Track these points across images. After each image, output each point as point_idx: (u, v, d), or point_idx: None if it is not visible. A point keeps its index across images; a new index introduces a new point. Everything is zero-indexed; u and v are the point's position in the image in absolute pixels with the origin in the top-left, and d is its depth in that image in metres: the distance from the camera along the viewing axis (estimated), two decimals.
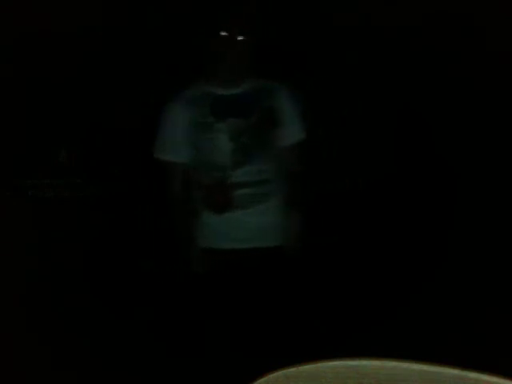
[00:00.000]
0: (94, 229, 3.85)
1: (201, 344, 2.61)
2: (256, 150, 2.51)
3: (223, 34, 2.45)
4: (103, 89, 4.00)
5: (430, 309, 3.26)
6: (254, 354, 2.40)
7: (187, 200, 2.57)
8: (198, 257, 2.57)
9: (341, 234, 4.16)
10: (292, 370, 0.46)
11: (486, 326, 2.92)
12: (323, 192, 4.37)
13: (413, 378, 0.44)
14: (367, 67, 4.14)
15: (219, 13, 2.52)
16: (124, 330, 3.32)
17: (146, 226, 4.07)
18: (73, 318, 3.32)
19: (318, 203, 4.33)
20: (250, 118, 2.52)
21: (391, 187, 4.13)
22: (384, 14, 3.80)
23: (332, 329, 3.20)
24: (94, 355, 3.09)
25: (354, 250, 3.96)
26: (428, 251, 3.76)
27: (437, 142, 4.09)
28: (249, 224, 2.52)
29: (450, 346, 2.62)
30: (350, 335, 3.00)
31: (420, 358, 0.44)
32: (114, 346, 3.19)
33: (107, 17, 3.83)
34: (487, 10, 3.56)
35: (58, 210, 3.83)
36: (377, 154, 4.38)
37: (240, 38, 2.46)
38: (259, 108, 2.54)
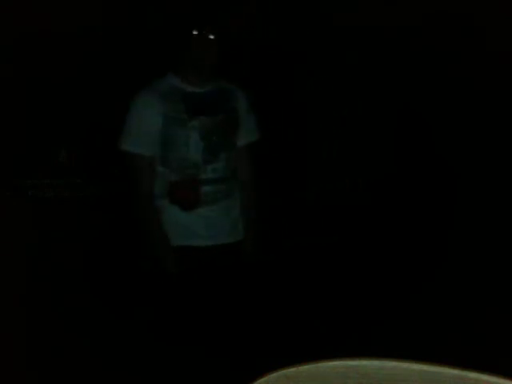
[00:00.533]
0: (94, 229, 3.86)
1: (201, 344, 2.61)
2: (222, 148, 2.59)
3: (199, 32, 2.49)
4: (103, 89, 4.00)
5: (429, 309, 3.26)
6: (253, 354, 2.40)
7: (152, 195, 2.54)
8: (169, 255, 2.55)
9: (342, 233, 4.16)
10: (292, 370, 0.46)
11: (486, 326, 2.92)
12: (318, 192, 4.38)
13: (413, 378, 0.44)
14: (367, 67, 4.14)
15: (198, 11, 2.57)
16: (123, 330, 3.32)
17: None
18: (72, 317, 3.32)
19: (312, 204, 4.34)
20: (217, 116, 2.59)
21: (390, 188, 4.13)
22: (384, 13, 3.80)
23: (332, 329, 3.20)
24: (94, 355, 3.09)
25: (354, 250, 3.96)
26: (428, 252, 3.76)
27: (436, 141, 4.09)
28: (213, 220, 2.56)
29: (450, 346, 2.62)
30: (350, 335, 3.00)
31: (420, 357, 0.44)
32: (113, 345, 3.19)
33: (108, 17, 3.83)
34: (487, 10, 3.56)
35: (58, 210, 3.84)
36: (376, 155, 4.38)
37: (213, 37, 2.50)
38: (224, 108, 2.62)
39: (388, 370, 0.44)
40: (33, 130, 3.97)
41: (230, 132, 2.63)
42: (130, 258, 3.85)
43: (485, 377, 0.43)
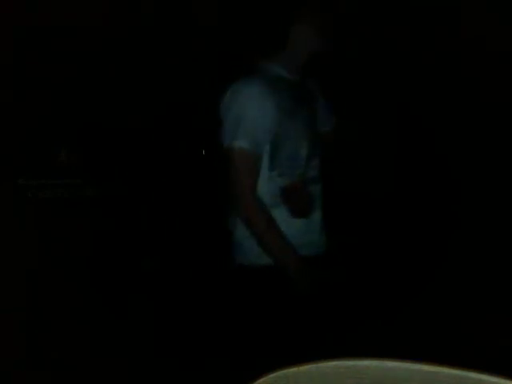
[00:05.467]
0: (94, 229, 3.86)
1: (202, 345, 2.60)
2: (318, 140, 2.39)
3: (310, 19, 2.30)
4: (104, 88, 4.00)
5: (430, 309, 3.26)
6: (254, 353, 2.39)
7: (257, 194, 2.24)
8: (296, 263, 2.27)
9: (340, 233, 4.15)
10: (292, 370, 0.46)
11: (486, 326, 2.92)
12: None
13: (413, 378, 0.44)
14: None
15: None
16: (123, 330, 3.32)
17: (147, 226, 4.07)
18: (72, 317, 3.31)
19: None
20: (315, 105, 2.42)
21: (393, 190, 4.13)
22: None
23: (332, 329, 3.20)
24: (93, 355, 3.08)
25: (354, 250, 3.96)
26: (428, 252, 3.76)
27: (438, 145, 4.09)
28: (319, 225, 2.35)
29: (450, 346, 2.62)
30: (350, 335, 2.99)
31: (420, 357, 0.44)
32: (112, 345, 3.19)
33: (109, 16, 3.83)
34: (487, 10, 3.56)
35: (58, 210, 3.84)
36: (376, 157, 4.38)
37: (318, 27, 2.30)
38: (313, 96, 2.46)
39: (388, 370, 0.44)
40: (33, 129, 3.97)
41: (319, 122, 2.43)
42: (131, 259, 3.85)
43: (485, 377, 0.43)
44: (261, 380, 0.47)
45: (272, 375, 0.47)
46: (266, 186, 2.25)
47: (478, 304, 3.19)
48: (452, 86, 3.87)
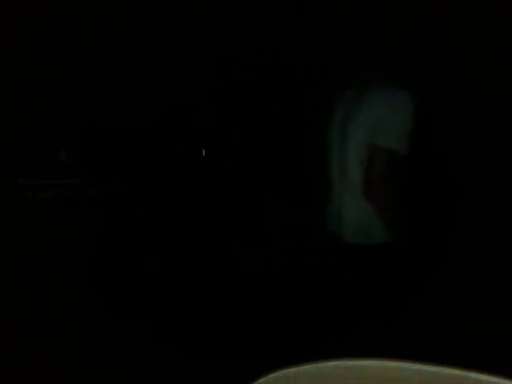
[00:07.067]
0: (95, 229, 3.86)
1: (202, 344, 2.61)
2: None
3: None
4: (104, 88, 4.01)
5: (430, 309, 3.26)
6: (253, 353, 2.40)
7: None
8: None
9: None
10: (292, 370, 0.46)
11: (486, 326, 2.92)
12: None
13: (413, 377, 0.44)
14: None
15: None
16: (124, 331, 3.32)
17: (147, 226, 4.08)
18: (73, 318, 3.32)
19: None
20: None
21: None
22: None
23: (333, 329, 3.20)
24: (94, 355, 3.09)
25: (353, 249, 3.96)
26: (428, 251, 3.76)
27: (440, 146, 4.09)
28: None
29: (450, 346, 2.62)
30: (350, 335, 2.99)
31: (420, 357, 0.44)
32: (113, 347, 3.19)
33: (110, 15, 3.83)
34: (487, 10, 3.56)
35: (58, 210, 3.84)
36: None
37: None
38: None
39: (388, 370, 0.45)
40: (33, 129, 3.97)
41: None
42: (131, 260, 3.86)
43: (485, 377, 0.43)
44: (261, 380, 0.47)
45: (272, 375, 0.47)
46: None
47: (478, 304, 3.19)
48: (453, 85, 3.87)
